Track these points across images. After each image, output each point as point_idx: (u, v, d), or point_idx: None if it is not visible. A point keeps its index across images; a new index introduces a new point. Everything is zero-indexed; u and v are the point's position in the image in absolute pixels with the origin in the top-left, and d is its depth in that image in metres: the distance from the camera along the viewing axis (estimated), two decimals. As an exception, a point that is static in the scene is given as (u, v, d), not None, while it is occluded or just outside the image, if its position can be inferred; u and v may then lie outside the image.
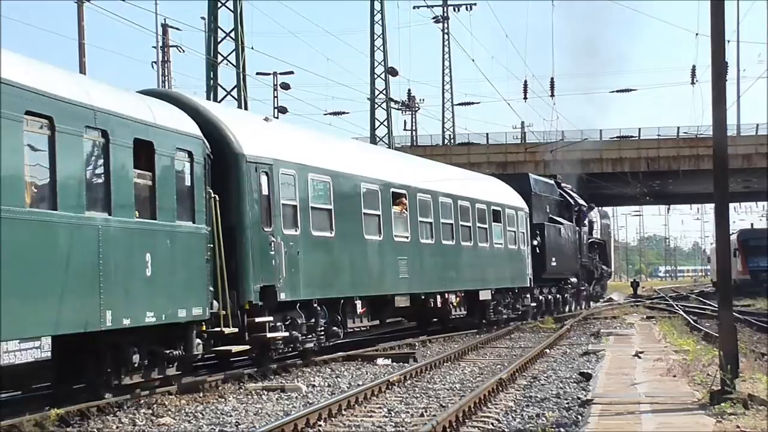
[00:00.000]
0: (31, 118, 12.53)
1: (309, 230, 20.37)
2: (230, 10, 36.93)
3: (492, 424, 13.16)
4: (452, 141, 79.19)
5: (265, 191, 18.92)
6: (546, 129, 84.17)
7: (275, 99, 61.46)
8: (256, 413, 14.46)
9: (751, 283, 59.90)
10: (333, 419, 13.64)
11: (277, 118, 60.62)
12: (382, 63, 55.99)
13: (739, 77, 69.57)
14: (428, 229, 26.83)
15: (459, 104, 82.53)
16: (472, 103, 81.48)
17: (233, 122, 19.07)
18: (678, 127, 70.68)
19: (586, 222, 47.35)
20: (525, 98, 70.55)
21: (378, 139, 56.51)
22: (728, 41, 14.72)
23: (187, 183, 16.38)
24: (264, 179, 18.94)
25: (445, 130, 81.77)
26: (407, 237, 25.37)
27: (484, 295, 31.15)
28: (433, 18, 77.82)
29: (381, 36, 56.09)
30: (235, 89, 37.39)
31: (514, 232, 34.30)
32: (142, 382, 15.61)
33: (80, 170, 13.58)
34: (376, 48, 56.00)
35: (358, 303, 22.66)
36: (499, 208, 32.79)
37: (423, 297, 26.59)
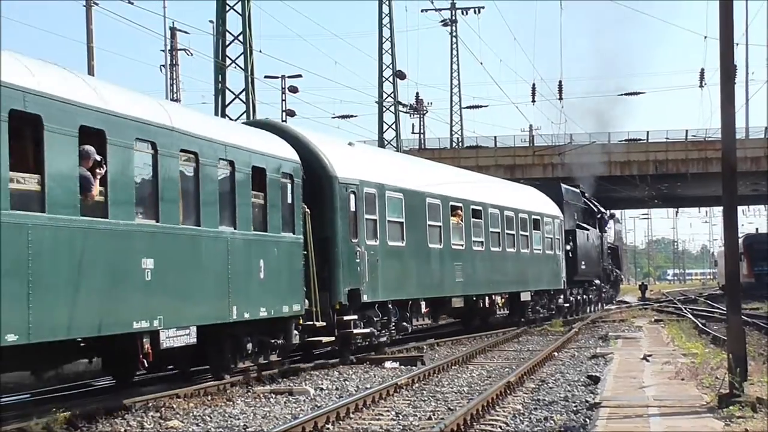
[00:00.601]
0: (183, 154, 15.83)
1: (386, 241, 23.63)
2: (238, 13, 36.96)
3: (500, 427, 13.15)
4: (460, 144, 79.16)
5: (352, 208, 22.17)
6: (554, 132, 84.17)
7: (283, 102, 61.55)
8: (264, 416, 14.47)
9: (756, 286, 60.05)
10: (341, 422, 13.64)
11: (285, 120, 60.69)
12: (390, 66, 55.99)
13: (748, 80, 69.44)
14: (479, 237, 30.01)
15: (467, 107, 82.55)
16: (480, 106, 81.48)
17: (327, 149, 22.32)
18: (686, 130, 70.60)
19: (606, 228, 51.35)
20: (533, 101, 70.56)
21: (386, 142, 56.49)
22: (737, 44, 14.71)
23: (289, 201, 19.65)
24: (352, 197, 22.20)
25: (453, 133, 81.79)
26: (462, 245, 28.45)
27: (525, 297, 34.55)
28: (441, 21, 77.89)
29: (389, 39, 56.10)
30: (243, 92, 37.42)
31: (551, 238, 37.26)
32: (252, 366, 18.74)
33: (215, 192, 16.80)
34: (384, 51, 56.00)
35: (423, 303, 26.29)
36: (538, 217, 35.74)
37: (474, 298, 30.03)
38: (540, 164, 67.46)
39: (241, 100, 37.47)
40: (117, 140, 14.13)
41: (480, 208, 30.06)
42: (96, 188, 13.76)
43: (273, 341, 19.27)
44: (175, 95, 57.06)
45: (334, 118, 69.83)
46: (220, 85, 37.39)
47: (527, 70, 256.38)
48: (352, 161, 23.14)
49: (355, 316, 21.93)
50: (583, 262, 42.48)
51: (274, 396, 16.73)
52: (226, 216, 17.24)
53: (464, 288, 28.50)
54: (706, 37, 68.69)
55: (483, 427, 13.14)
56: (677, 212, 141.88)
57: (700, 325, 32.73)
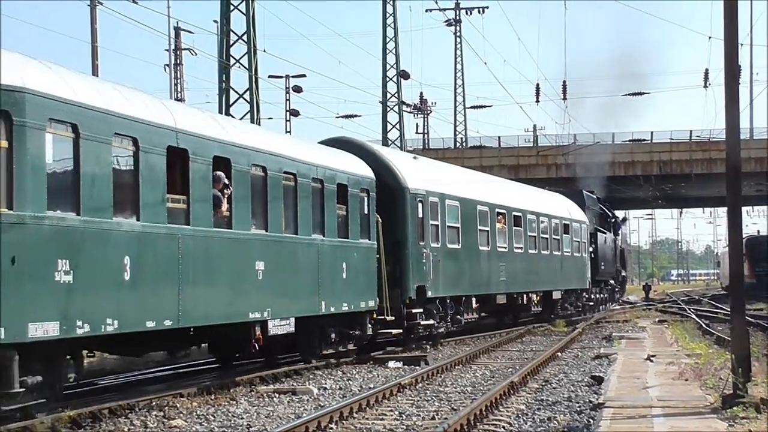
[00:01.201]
0: (285, 175, 19.09)
1: (446, 243, 26.92)
2: (242, 13, 36.96)
3: (503, 427, 13.15)
4: (464, 144, 79.16)
5: (420, 215, 25.47)
6: (558, 132, 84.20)
7: (287, 102, 61.56)
8: (267, 416, 14.48)
9: (757, 287, 60.19)
10: (344, 422, 13.65)
11: (289, 120, 60.70)
12: (394, 66, 55.95)
13: (752, 80, 69.25)
14: (519, 241, 33.39)
15: (471, 107, 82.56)
16: (484, 107, 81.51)
17: (399, 163, 25.74)
18: (690, 131, 70.53)
19: (619, 232, 55.51)
20: (537, 101, 70.57)
21: (390, 142, 56.47)
22: (741, 44, 14.69)
23: (365, 211, 23.01)
24: (419, 206, 25.51)
25: (457, 133, 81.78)
26: (505, 247, 31.92)
27: (556, 295, 38.20)
28: (446, 21, 77.86)
29: (393, 39, 56.06)
30: (247, 92, 37.42)
31: (578, 241, 40.99)
32: (334, 353, 21.80)
33: (309, 206, 20.03)
34: (388, 51, 55.96)
35: (473, 299, 29.42)
36: (568, 222, 39.47)
37: (515, 296, 33.32)
38: (544, 164, 67.44)
39: (245, 99, 37.47)
40: (238, 166, 17.40)
41: (520, 214, 33.57)
42: (224, 205, 17.00)
43: (351, 332, 22.44)
44: (179, 95, 57.07)
45: (338, 117, 69.85)
46: (224, 84, 37.39)
47: (531, 71, 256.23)
48: (419, 173, 26.40)
49: (421, 310, 25.21)
50: (602, 263, 46.49)
51: (277, 395, 16.74)
52: (317, 225, 20.50)
53: (507, 286, 32.02)
54: (710, 38, 68.71)
55: (486, 427, 13.14)
56: (681, 213, 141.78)
57: (703, 325, 32.72)
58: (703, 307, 51.17)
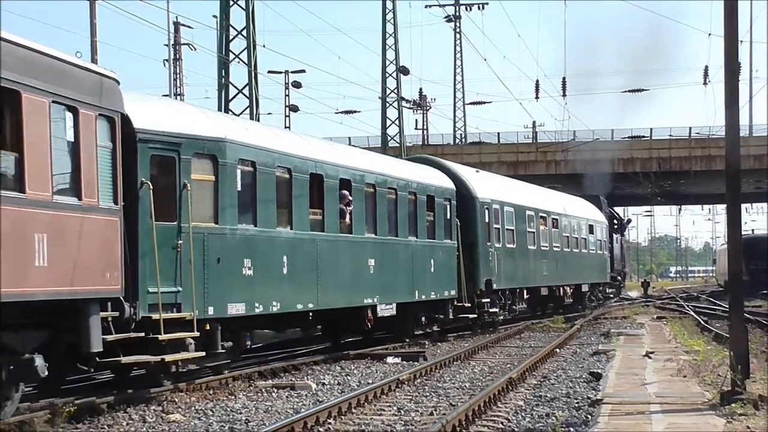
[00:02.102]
0: (389, 191, 24.29)
1: (505, 243, 32.08)
2: (242, 8, 36.91)
3: (502, 423, 13.15)
4: (463, 140, 79.14)
5: (486, 219, 30.59)
6: (557, 129, 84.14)
7: (286, 97, 61.53)
8: (266, 411, 14.48)
9: (751, 283, 60.34)
10: (343, 417, 13.65)
11: (288, 116, 60.68)
12: (394, 62, 55.89)
13: (752, 78, 69.20)
14: (557, 240, 38.40)
15: (470, 103, 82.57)
16: (484, 103, 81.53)
17: (469, 176, 31.04)
18: (690, 128, 70.50)
19: (624, 233, 61.93)
20: (537, 98, 70.55)
21: (389, 138, 56.48)
22: (741, 41, 14.68)
23: (447, 217, 27.94)
24: (486, 212, 30.65)
25: (456, 129, 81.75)
26: (547, 246, 36.94)
27: (584, 288, 44.28)
28: (445, 17, 77.80)
29: (393, 35, 55.99)
30: (247, 87, 37.40)
31: (601, 241, 46.75)
32: (422, 333, 26.77)
33: (405, 213, 25.18)
34: (387, 47, 55.87)
35: (524, 291, 35.18)
36: (592, 223, 45.29)
37: (554, 289, 38.82)
38: (543, 161, 67.40)
39: (244, 95, 37.44)
40: (356, 185, 22.48)
41: (557, 217, 39.04)
42: (348, 217, 21.98)
43: (436, 316, 27.32)
44: (178, 90, 57.05)
45: (337, 113, 69.97)
46: (223, 80, 37.36)
47: (531, 67, 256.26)
48: (483, 184, 31.79)
49: (488, 299, 30.19)
50: (615, 261, 53.36)
51: (276, 390, 16.74)
52: (412, 229, 25.63)
53: (548, 280, 37.29)
54: (710, 35, 68.66)
55: (485, 422, 13.15)
56: (680, 209, 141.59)
57: (702, 322, 32.72)
58: (701, 303, 51.19)
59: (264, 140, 18.96)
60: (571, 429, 12.21)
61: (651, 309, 46.91)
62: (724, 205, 14.35)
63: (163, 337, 15.30)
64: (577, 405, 14.53)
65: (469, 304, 28.59)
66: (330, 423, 13.15)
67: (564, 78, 70.04)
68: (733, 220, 14.08)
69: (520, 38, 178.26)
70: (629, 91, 69.92)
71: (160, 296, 15.45)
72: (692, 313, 39.07)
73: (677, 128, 70.49)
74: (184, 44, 57.37)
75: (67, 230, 13.17)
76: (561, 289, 40.39)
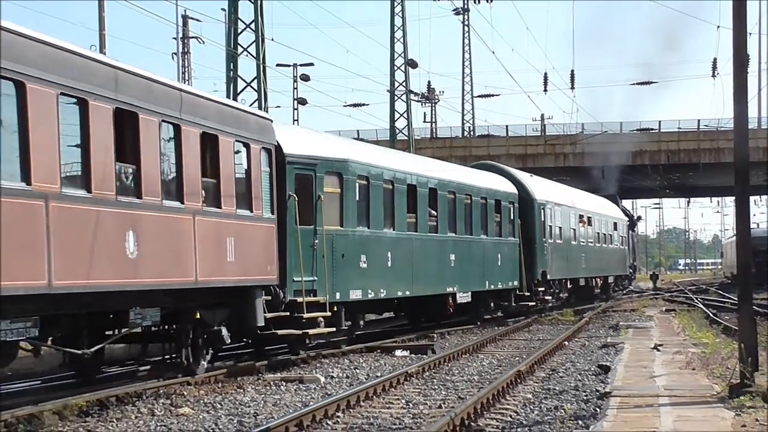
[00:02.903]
0: (466, 196, 28.88)
1: (555, 240, 37.29)
2: (250, 1, 36.87)
3: (510, 416, 13.15)
4: (472, 133, 79.04)
5: (542, 219, 35.53)
6: (566, 121, 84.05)
7: (295, 90, 61.52)
8: (274, 404, 14.50)
9: (754, 276, 60.42)
10: (351, 410, 13.66)
11: (297, 109, 60.64)
12: (402, 55, 55.86)
13: (761, 70, 68.89)
14: (591, 237, 43.55)
15: (479, 96, 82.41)
16: (492, 96, 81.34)
17: (527, 180, 36.12)
18: (698, 120, 70.36)
19: (635, 228, 66.39)
20: (545, 90, 70.29)
21: (398, 131, 56.44)
22: (750, 34, 14.63)
23: (512, 217, 32.98)
24: (542, 212, 35.57)
25: (465, 122, 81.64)
26: (584, 242, 42.14)
27: (610, 279, 49.52)
28: (454, 10, 77.71)
29: (401, 28, 55.94)
30: (255, 80, 37.39)
31: (622, 236, 51.89)
32: (491, 317, 32.08)
33: (478, 215, 29.86)
34: (396, 40, 55.83)
35: (569, 282, 39.98)
36: (616, 221, 50.44)
37: (590, 279, 43.78)
38: (552, 153, 67.35)
39: (252, 88, 37.43)
40: (441, 193, 27.22)
41: (591, 215, 43.89)
42: (433, 218, 26.59)
43: (501, 303, 32.46)
44: (186, 83, 57.02)
45: (345, 106, 69.79)
46: (231, 73, 37.35)
47: (539, 59, 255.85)
48: (538, 187, 36.72)
49: (543, 288, 35.17)
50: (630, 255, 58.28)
51: (284, 384, 16.76)
52: (483, 228, 30.25)
53: (586, 272, 42.62)
54: (719, 27, 68.47)
55: (493, 415, 13.15)
56: (689, 202, 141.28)
57: (711, 315, 32.68)
58: (710, 296, 51.12)
59: (374, 159, 23.80)
60: (580, 422, 12.20)
61: (660, 301, 46.89)
62: (733, 198, 14.30)
63: (306, 315, 19.72)
64: (585, 398, 14.52)
65: (528, 293, 33.61)
66: (338, 416, 13.17)
67: (572, 71, 69.87)
68: (742, 214, 14.05)
69: (528, 31, 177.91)
70: (638, 83, 69.69)
71: (303, 284, 19.80)
72: (701, 305, 39.03)
73: (686, 121, 70.38)
74: (193, 37, 57.32)
75: (245, 235, 17.55)
76: (593, 280, 44.91)
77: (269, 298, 18.71)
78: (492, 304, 31.85)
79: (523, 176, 36.32)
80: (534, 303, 34.42)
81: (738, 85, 13.81)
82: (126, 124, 14.16)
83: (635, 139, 67.32)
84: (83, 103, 13.12)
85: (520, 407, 13.86)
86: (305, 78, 59.68)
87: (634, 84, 70.92)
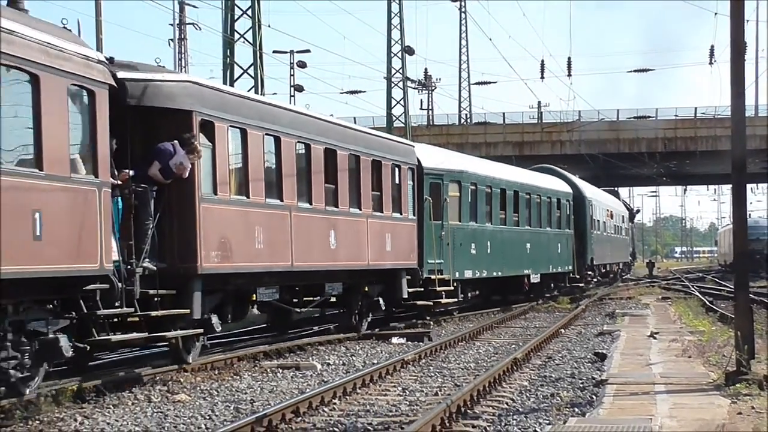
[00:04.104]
0: (536, 196, 35.61)
1: (598, 231, 45.26)
2: (247, -13, 36.84)
3: (506, 403, 13.16)
4: (469, 120, 78.99)
5: (590, 213, 42.98)
6: (563, 109, 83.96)
7: (291, 77, 61.40)
8: (271, 391, 14.51)
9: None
10: (348, 397, 13.67)
11: (293, 96, 60.57)
12: (399, 42, 55.81)
13: (758, 57, 68.99)
14: (611, 228, 50.75)
15: (476, 83, 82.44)
16: (489, 83, 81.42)
17: (578, 182, 43.97)
18: (695, 108, 70.34)
19: (633, 221, 71.64)
20: (542, 78, 70.32)
21: (394, 118, 56.38)
22: (747, 20, 14.61)
23: (567, 213, 39.81)
24: (590, 207, 43.21)
25: (461, 109, 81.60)
26: (610, 233, 50.11)
27: (621, 265, 58.02)
28: (451, -3, 77.50)
29: (398, 14, 55.89)
30: (252, 67, 37.36)
31: (625, 228, 58.71)
32: (550, 296, 37.80)
33: (545, 211, 36.46)
34: (393, 26, 55.78)
35: (602, 267, 47.79)
36: (623, 214, 58.05)
37: (611, 265, 51.78)
38: (548, 141, 67.35)
39: (249, 75, 37.43)
40: (522, 194, 34.01)
41: (612, 210, 51.48)
42: (515, 215, 33.36)
43: (559, 284, 39.52)
44: (183, 70, 56.89)
45: (342, 93, 69.70)
46: (228, 59, 37.34)
47: (536, 47, 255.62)
48: (587, 188, 44.74)
49: (591, 273, 43.91)
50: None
51: (281, 371, 16.76)
52: (547, 222, 36.85)
53: (610, 259, 50.39)
54: (716, 14, 68.37)
55: (490, 402, 13.15)
56: (686, 190, 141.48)
57: (707, 302, 32.70)
58: (706, 284, 51.17)
59: (479, 169, 31.17)
60: (576, 409, 12.21)
61: (656, 289, 46.92)
62: (730, 186, 14.29)
63: (439, 289, 26.27)
64: (582, 385, 14.53)
65: (579, 276, 41.12)
66: (335, 403, 13.18)
67: (569, 58, 69.85)
68: (739, 201, 14.04)
69: (525, 18, 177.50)
70: (635, 71, 69.68)
71: (435, 265, 26.29)
72: (697, 293, 39.07)
73: (683, 108, 70.35)
74: (189, 24, 57.17)
75: (397, 231, 23.84)
76: (611, 266, 52.02)
77: (410, 277, 24.69)
78: (552, 285, 38.79)
79: (573, 177, 43.90)
80: (583, 284, 42.55)
81: (735, 73, 13.78)
82: (329, 157, 20.52)
83: (605, 127, 67.28)
84: (307, 146, 19.70)
85: (517, 395, 13.87)
86: (302, 65, 59.53)
87: (630, 71, 70.85)
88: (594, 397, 13.07)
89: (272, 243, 17.83)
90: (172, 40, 54.21)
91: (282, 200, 18.36)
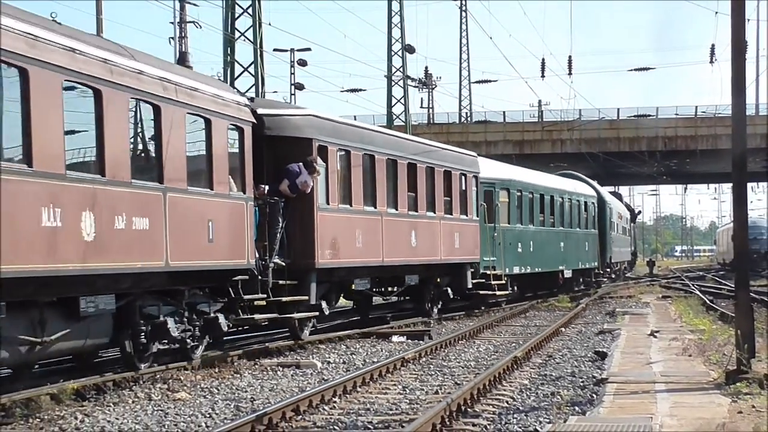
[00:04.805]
0: (567, 199, 40.21)
1: (615, 232, 50.89)
2: (248, -14, 36.83)
3: (507, 402, 13.16)
4: (469, 119, 78.96)
5: (609, 216, 47.79)
6: (563, 108, 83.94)
7: (292, 75, 61.40)
8: (271, 389, 14.50)
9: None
10: (348, 396, 13.67)
11: (294, 94, 60.57)
12: (400, 40, 55.82)
13: (759, 56, 68.84)
14: (620, 229, 55.45)
15: (476, 82, 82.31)
16: (489, 81, 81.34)
17: (598, 187, 48.09)
18: (696, 106, 70.30)
19: (636, 220, 74.87)
20: (542, 76, 70.26)
21: (395, 116, 56.37)
22: (748, 19, 14.58)
23: (593, 215, 44.45)
24: (609, 210, 48.07)
25: (462, 108, 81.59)
26: (620, 233, 54.76)
27: (625, 263, 61.96)
28: (451, -5, 77.45)
29: (399, 13, 55.93)
30: (252, 65, 37.36)
31: (628, 228, 62.05)
32: (578, 290, 41.89)
33: (576, 212, 41.45)
34: (393, 25, 55.82)
35: (614, 264, 53.48)
36: (627, 215, 62.06)
37: (621, 262, 56.90)
38: (549, 140, 67.32)
39: (249, 73, 37.43)
40: (557, 198, 38.22)
41: (621, 212, 57.07)
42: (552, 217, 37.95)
43: (586, 279, 44.04)
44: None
45: (342, 92, 69.64)
46: (229, 57, 37.34)
47: (537, 45, 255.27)
48: (603, 192, 49.17)
49: (609, 269, 49.62)
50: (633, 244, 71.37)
51: (281, 369, 16.76)
52: (576, 223, 41.27)
53: (620, 257, 54.85)
54: (717, 13, 68.38)
55: (490, 401, 13.15)
56: (686, 189, 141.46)
57: (707, 301, 32.69)
58: (706, 282, 51.16)
59: (524, 177, 35.56)
60: (576, 408, 12.21)
61: (656, 288, 46.92)
62: (730, 184, 14.28)
63: (493, 282, 30.19)
64: (582, 384, 14.53)
65: (601, 271, 46.71)
66: (335, 401, 13.17)
67: (570, 57, 69.80)
68: (739, 201, 14.04)
69: (525, 16, 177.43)
70: (635, 69, 69.66)
71: (489, 262, 30.43)
72: (698, 292, 39.06)
73: (683, 107, 70.32)
74: (190, 22, 57.12)
75: (464, 230, 28.03)
76: (620, 263, 56.83)
77: (473, 270, 28.76)
78: (581, 279, 43.22)
79: (593, 182, 48.37)
80: (606, 279, 48.68)
81: (736, 73, 13.77)
82: (410, 169, 24.61)
83: (605, 126, 67.25)
84: (394, 162, 23.95)
85: (517, 393, 13.87)
86: (302, 63, 59.55)
87: (631, 70, 70.78)
88: (594, 395, 13.07)
89: (368, 243, 22.01)
90: (172, 38, 54.08)
91: (375, 207, 22.59)
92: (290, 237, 19.29)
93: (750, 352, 13.08)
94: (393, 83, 56.05)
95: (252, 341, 20.80)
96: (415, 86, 69.35)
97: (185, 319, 15.99)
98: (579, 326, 25.53)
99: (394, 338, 21.91)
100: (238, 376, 15.95)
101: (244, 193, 17.33)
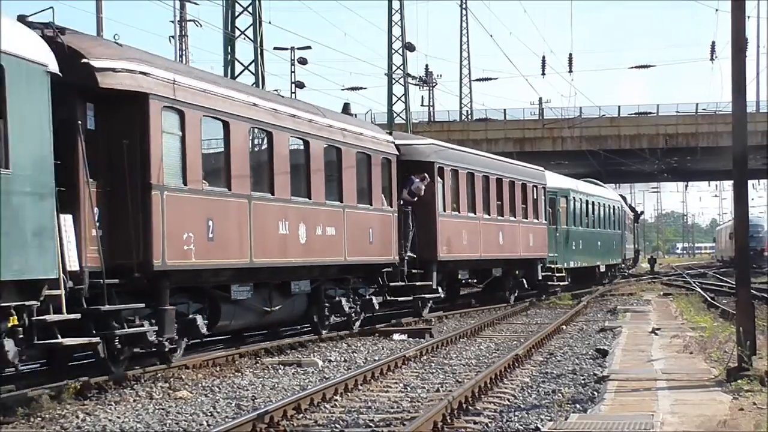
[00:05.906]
0: (602, 204, 48.11)
1: (627, 230, 57.36)
2: (248, -16, 36.81)
3: (508, 399, 13.16)
4: (470, 117, 78.93)
5: (625, 217, 56.40)
6: (564, 105, 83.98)
7: (292, 74, 61.34)
8: (272, 387, 14.51)
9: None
10: (349, 394, 13.68)
11: (294, 92, 60.57)
12: (400, 38, 55.79)
13: (759, 53, 68.71)
14: (627, 228, 58.26)
15: (477, 80, 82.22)
16: (490, 79, 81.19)
17: (616, 192, 60.16)
18: (697, 104, 70.24)
19: (638, 221, 77.99)
20: (543, 74, 70.16)
21: (395, 114, 56.36)
22: (749, 16, 14.53)
23: (620, 216, 52.50)
24: (625, 212, 55.93)
25: (462, 105, 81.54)
26: (629, 233, 61.91)
27: (630, 260, 66.19)
28: (451, -7, 77.38)
29: (399, 11, 55.88)
30: (252, 64, 37.34)
31: (631, 227, 65.16)
32: (606, 282, 49.37)
33: (606, 215, 48.37)
34: (393, 23, 55.77)
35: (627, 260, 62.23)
36: (632, 215, 66.09)
37: (627, 259, 61.57)
38: (549, 137, 67.27)
39: (250, 71, 37.39)
40: (595, 202, 45.75)
41: (627, 210, 61.41)
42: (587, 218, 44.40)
43: (614, 273, 51.87)
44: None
45: (343, 90, 69.72)
46: (229, 56, 37.32)
47: (537, 43, 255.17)
48: (616, 196, 55.85)
49: (625, 264, 57.18)
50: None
51: (282, 367, 16.77)
52: (606, 224, 47.68)
53: (628, 253, 60.56)
54: (717, 10, 68.29)
55: (491, 399, 13.16)
56: (687, 186, 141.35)
57: (708, 298, 32.69)
58: (708, 280, 51.16)
59: (577, 186, 42.29)
60: (578, 405, 12.21)
61: (657, 285, 46.93)
62: (731, 182, 14.26)
63: (556, 275, 36.22)
64: (583, 381, 14.53)
65: (624, 266, 55.27)
66: (336, 399, 13.18)
67: (570, 54, 69.73)
68: (740, 198, 14.03)
69: (526, 14, 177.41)
70: (636, 67, 69.58)
71: (552, 258, 36.12)
72: (699, 289, 39.05)
73: (684, 104, 70.23)
74: (190, 21, 57.14)
75: (537, 232, 34.34)
76: (630, 260, 64.15)
77: (541, 264, 34.80)
78: (610, 273, 50.02)
79: (612, 187, 57.86)
80: (627, 273, 58.01)
81: (737, 69, 13.76)
82: (499, 183, 31.04)
83: (606, 123, 67.24)
84: (487, 177, 30.42)
85: (518, 391, 13.88)
86: (303, 61, 59.42)
87: (631, 68, 70.68)
88: (595, 393, 13.07)
89: (470, 241, 28.21)
90: (173, 37, 54.17)
91: (475, 213, 28.96)
92: (418, 237, 25.21)
93: (751, 350, 13.08)
94: (393, 81, 56.01)
95: (383, 321, 24.68)
96: (415, 84, 69.25)
97: (351, 299, 21.96)
98: (580, 324, 25.53)
99: (396, 336, 21.92)
100: (239, 374, 15.96)
101: (391, 207, 23.80)
